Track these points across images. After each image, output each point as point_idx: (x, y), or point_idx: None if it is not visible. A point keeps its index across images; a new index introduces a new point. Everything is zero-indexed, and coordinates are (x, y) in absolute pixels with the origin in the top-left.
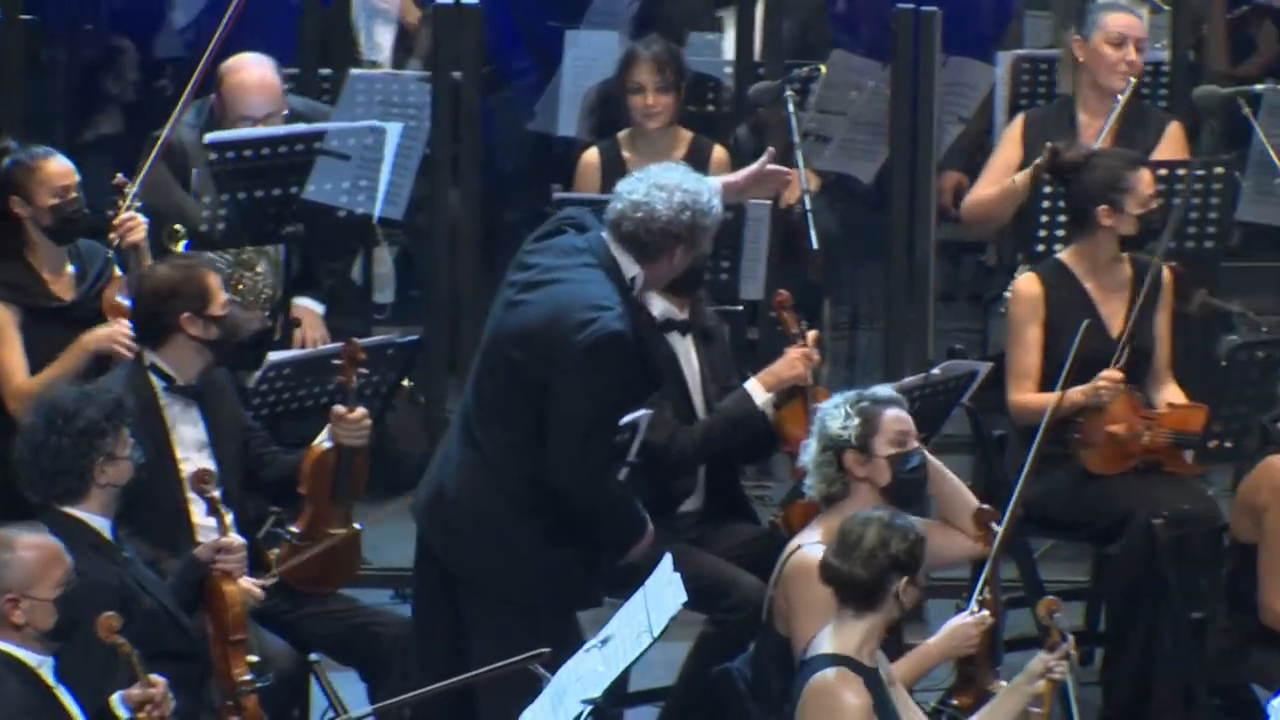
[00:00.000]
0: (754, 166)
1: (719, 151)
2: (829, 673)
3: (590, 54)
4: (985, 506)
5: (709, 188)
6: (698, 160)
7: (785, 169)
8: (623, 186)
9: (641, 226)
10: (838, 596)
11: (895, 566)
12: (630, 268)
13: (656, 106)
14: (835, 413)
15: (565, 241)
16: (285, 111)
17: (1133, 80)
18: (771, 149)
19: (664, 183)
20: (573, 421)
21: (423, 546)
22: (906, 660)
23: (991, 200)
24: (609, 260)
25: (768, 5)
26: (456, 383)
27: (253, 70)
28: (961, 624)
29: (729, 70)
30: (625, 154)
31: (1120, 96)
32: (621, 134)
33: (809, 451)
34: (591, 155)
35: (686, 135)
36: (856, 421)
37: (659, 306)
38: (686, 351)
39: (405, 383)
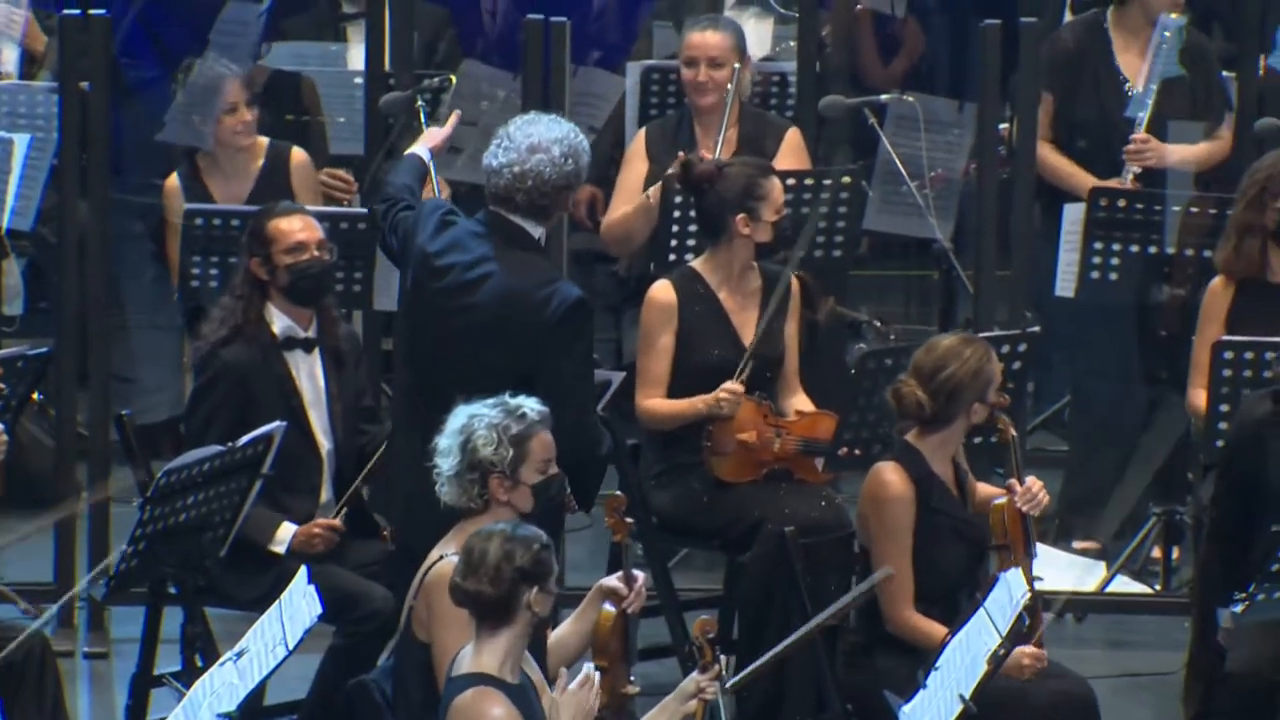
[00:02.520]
0: (448, 127)
1: (297, 152)
2: (467, 694)
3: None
4: (616, 493)
5: (570, 125)
6: (277, 165)
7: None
8: (497, 160)
9: (535, 193)
10: (473, 615)
11: (523, 578)
12: (534, 230)
13: (251, 122)
14: (487, 436)
15: (466, 230)
16: None
17: (731, 92)
18: (458, 111)
19: (537, 142)
20: (571, 393)
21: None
22: (559, 646)
23: (628, 218)
24: (515, 231)
25: (396, 16)
26: (86, 395)
27: None
28: (606, 584)
29: (358, 81)
30: (204, 176)
31: (728, 105)
32: (199, 155)
33: (447, 460)
34: (173, 181)
35: (263, 143)
36: (509, 451)
37: (280, 322)
38: (311, 369)
39: (35, 396)
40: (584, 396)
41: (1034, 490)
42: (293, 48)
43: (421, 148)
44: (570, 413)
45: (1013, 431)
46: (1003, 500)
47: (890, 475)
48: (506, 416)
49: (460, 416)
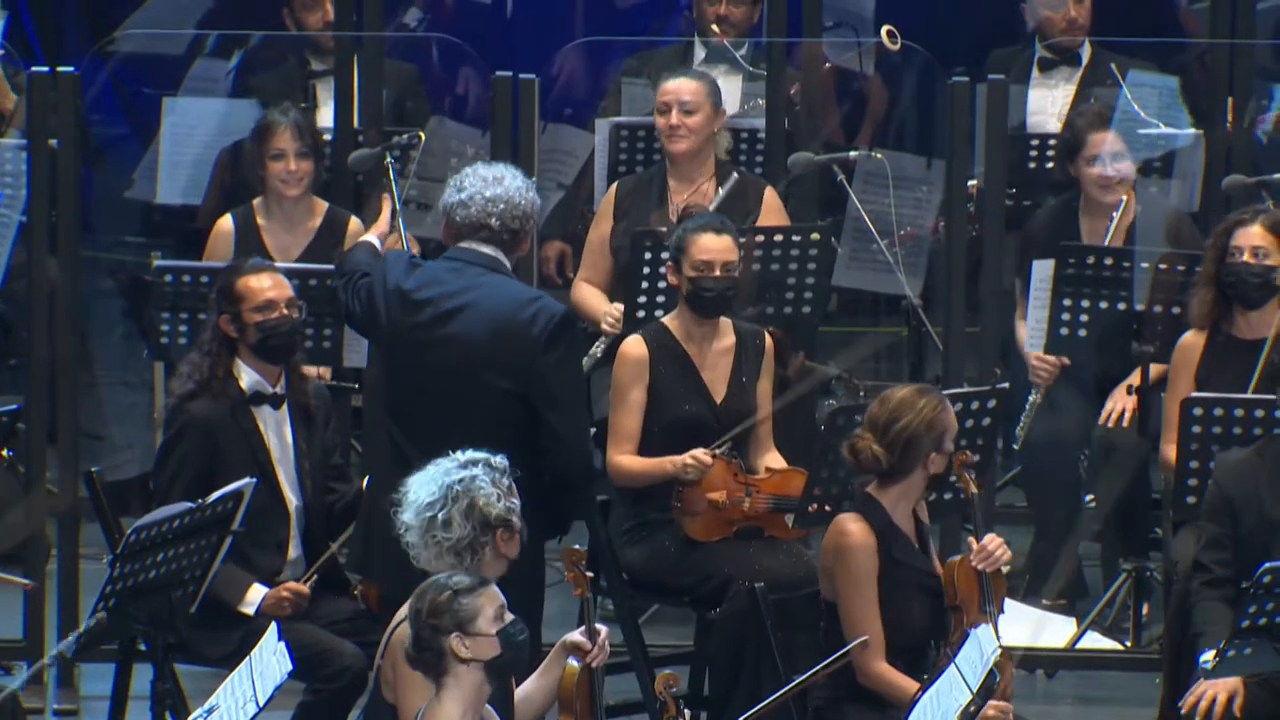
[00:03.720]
0: (384, 213)
1: (354, 222)
2: None
3: (189, 121)
4: (574, 547)
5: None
6: (334, 230)
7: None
8: (464, 193)
9: (508, 216)
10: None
11: (437, 630)
12: (503, 258)
13: (298, 172)
14: (491, 493)
15: (439, 266)
16: None
17: (722, 146)
18: (388, 196)
19: (498, 174)
20: (569, 405)
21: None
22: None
23: (591, 311)
24: (487, 259)
25: (366, 73)
26: (56, 451)
27: None
28: (570, 639)
29: (328, 138)
30: (260, 221)
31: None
32: (256, 201)
33: (452, 532)
34: (225, 223)
35: (322, 205)
36: (516, 501)
37: (249, 378)
38: (279, 426)
39: (4, 452)
40: (579, 410)
41: (990, 548)
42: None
43: (372, 236)
44: (569, 427)
45: (974, 488)
46: (956, 559)
47: (851, 525)
48: (493, 470)
49: (431, 490)
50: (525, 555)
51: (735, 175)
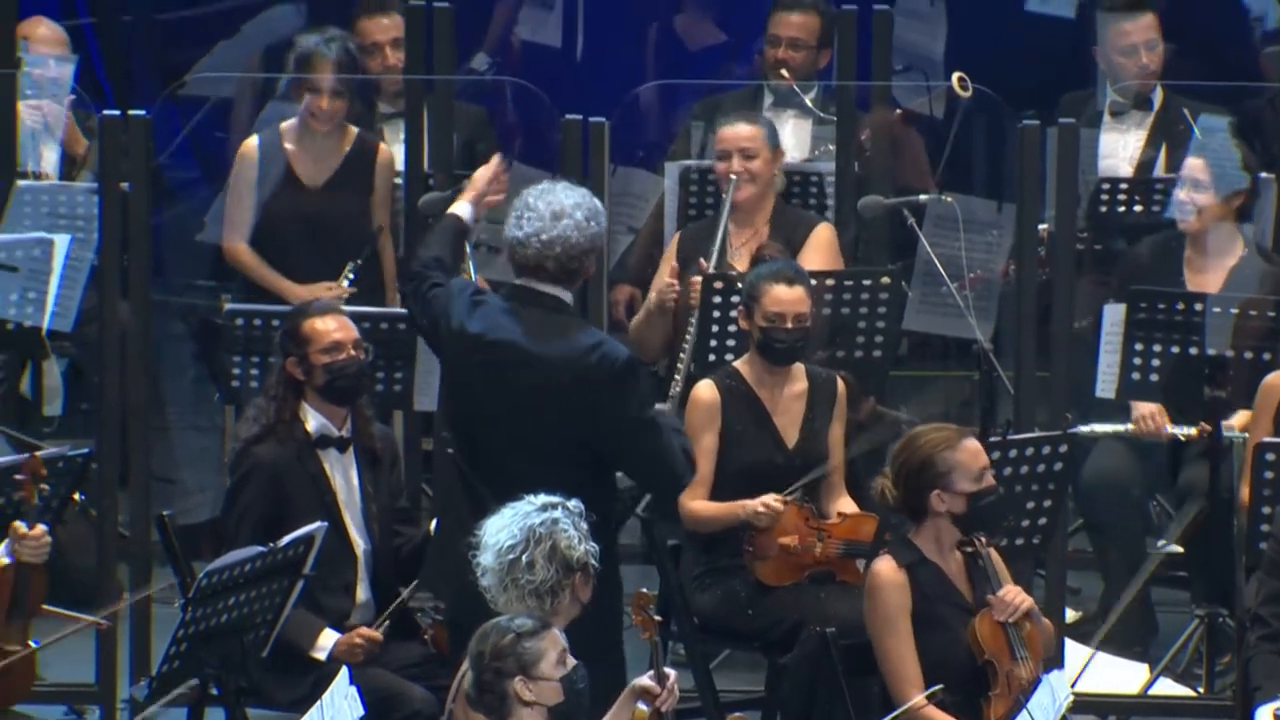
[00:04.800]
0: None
1: (384, 149)
2: None
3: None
4: (643, 590)
5: (583, 190)
6: (364, 157)
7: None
8: (522, 231)
9: (564, 257)
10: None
11: (500, 673)
12: (564, 295)
13: (329, 110)
14: (572, 535)
15: (499, 308)
16: None
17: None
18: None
19: (560, 208)
20: (651, 444)
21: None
22: None
23: (636, 325)
24: (547, 300)
25: (435, 116)
26: (127, 496)
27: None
28: (639, 683)
29: (398, 181)
30: (287, 145)
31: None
32: (285, 124)
33: (535, 574)
34: (251, 146)
35: (352, 131)
36: (595, 545)
37: (315, 421)
38: (345, 469)
39: (76, 496)
40: (652, 439)
41: (1007, 599)
42: None
43: (463, 205)
44: (658, 464)
45: (980, 545)
46: (976, 617)
47: (879, 565)
48: (571, 514)
49: (512, 532)
50: (603, 590)
51: (774, 198)
